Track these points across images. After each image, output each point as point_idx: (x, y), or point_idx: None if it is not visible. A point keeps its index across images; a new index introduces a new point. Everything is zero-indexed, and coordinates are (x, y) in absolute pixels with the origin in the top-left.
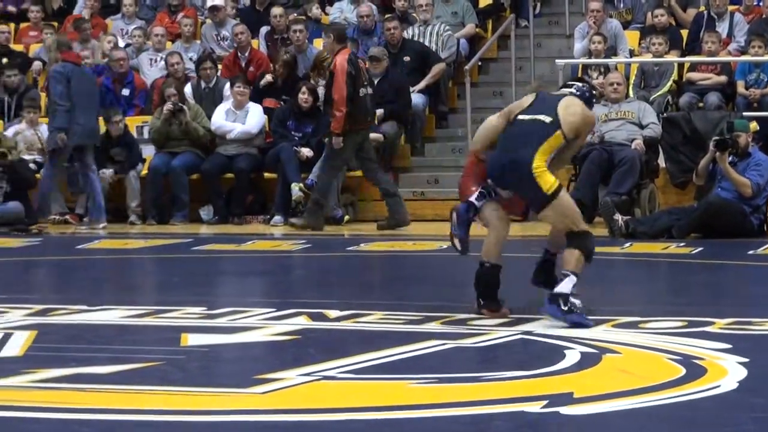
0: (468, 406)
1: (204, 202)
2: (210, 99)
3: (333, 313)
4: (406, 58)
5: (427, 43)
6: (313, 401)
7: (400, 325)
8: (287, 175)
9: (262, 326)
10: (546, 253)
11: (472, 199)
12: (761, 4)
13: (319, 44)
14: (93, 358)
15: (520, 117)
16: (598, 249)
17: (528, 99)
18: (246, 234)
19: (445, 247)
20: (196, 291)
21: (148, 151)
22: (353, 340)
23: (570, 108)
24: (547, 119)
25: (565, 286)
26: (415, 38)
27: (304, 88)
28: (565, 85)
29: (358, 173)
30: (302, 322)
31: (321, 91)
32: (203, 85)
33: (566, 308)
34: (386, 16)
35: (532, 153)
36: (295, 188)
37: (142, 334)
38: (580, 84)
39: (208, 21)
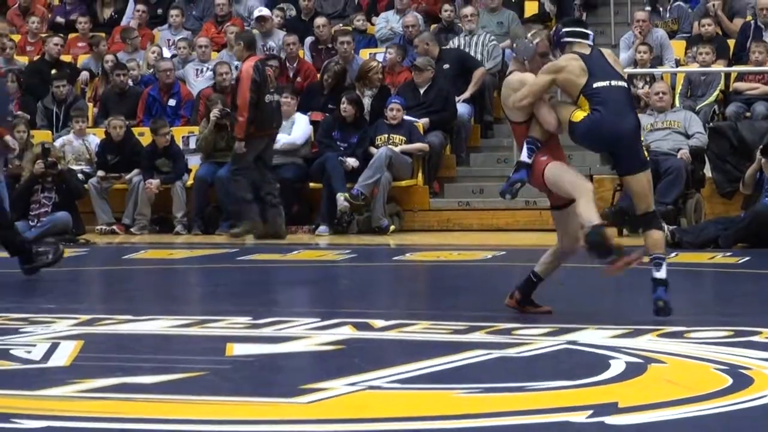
0: (513, 415)
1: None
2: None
3: (378, 323)
4: (446, 66)
5: (472, 53)
6: (358, 411)
7: (445, 334)
8: (332, 185)
9: (307, 336)
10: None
11: (524, 158)
12: None
13: (365, 55)
14: (139, 368)
15: (606, 84)
16: (644, 258)
17: (576, 63)
18: (291, 244)
19: (490, 257)
20: (240, 301)
21: (194, 162)
22: (398, 350)
23: (617, 62)
24: (624, 83)
25: (665, 270)
26: (462, 48)
27: (344, 99)
28: (576, 34)
29: (403, 183)
30: (347, 331)
31: (366, 101)
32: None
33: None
34: (432, 26)
35: (636, 117)
36: (341, 198)
37: (187, 344)
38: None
39: (255, 31)
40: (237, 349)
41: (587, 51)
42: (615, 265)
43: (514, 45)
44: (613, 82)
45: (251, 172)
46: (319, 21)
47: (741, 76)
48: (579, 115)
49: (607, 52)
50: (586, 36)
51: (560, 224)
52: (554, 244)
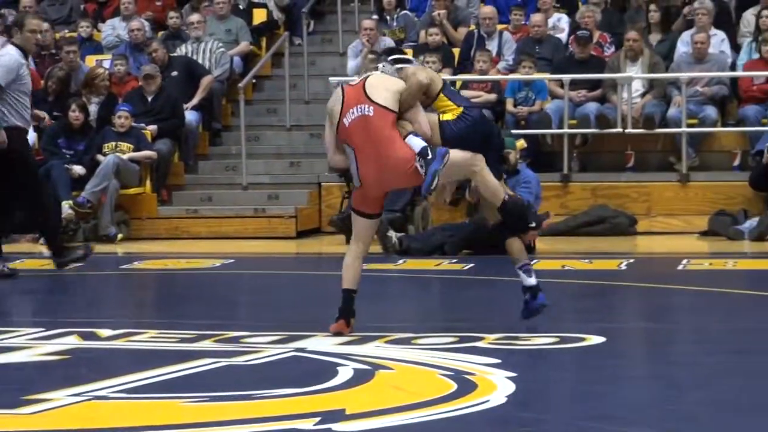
0: (240, 424)
1: None
2: None
3: (105, 332)
4: (174, 73)
5: (200, 61)
6: (83, 422)
7: (173, 343)
8: (57, 193)
9: (30, 346)
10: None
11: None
12: (528, 23)
13: (91, 62)
14: None
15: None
16: (371, 266)
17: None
18: (14, 252)
19: (218, 264)
20: None
21: None
22: (125, 359)
23: None
24: None
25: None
26: (189, 55)
27: (74, 106)
28: (403, 60)
29: (131, 191)
30: (73, 341)
31: (93, 108)
32: None
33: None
34: (159, 33)
35: None
36: (66, 206)
37: None
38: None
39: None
40: None
41: None
42: (529, 234)
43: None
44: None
45: None
46: (43, 26)
47: (466, 85)
48: (450, 116)
49: None
50: (410, 61)
51: None
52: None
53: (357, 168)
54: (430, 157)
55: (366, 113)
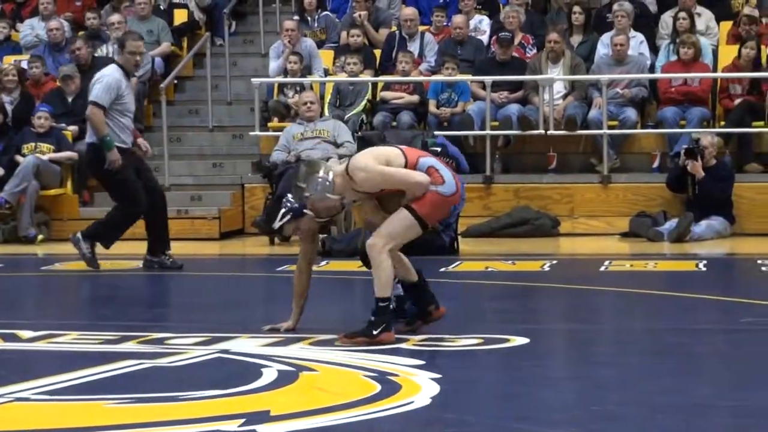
0: (164, 425)
1: None
2: None
3: (26, 334)
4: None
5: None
6: (5, 424)
7: (96, 345)
8: None
9: None
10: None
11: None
12: (450, 24)
13: (9, 61)
14: None
15: None
16: (295, 267)
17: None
18: None
19: (141, 266)
20: None
21: None
22: (47, 361)
23: None
24: None
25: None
26: (111, 56)
27: None
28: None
29: (52, 192)
30: None
31: (9, 108)
32: None
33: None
34: (80, 33)
35: None
36: None
37: None
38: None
39: None
40: None
41: None
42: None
43: (306, 185)
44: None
45: None
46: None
47: (388, 86)
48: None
49: None
50: None
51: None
52: None
53: (452, 176)
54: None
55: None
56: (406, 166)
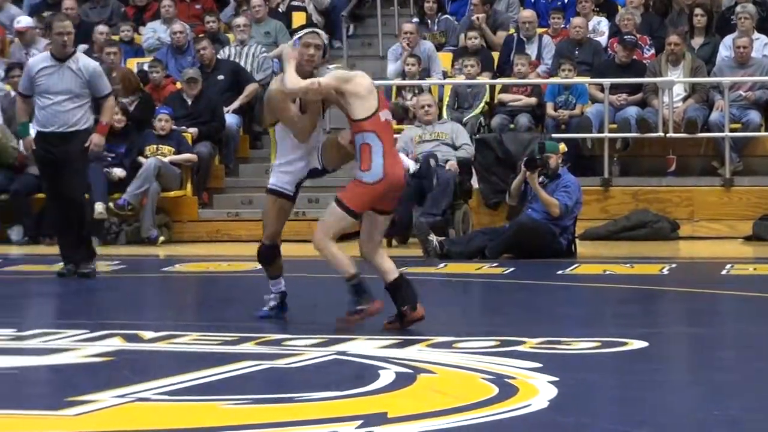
0: (281, 427)
1: (13, 223)
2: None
3: (147, 335)
4: (220, 77)
5: (243, 64)
6: (126, 423)
7: (215, 346)
8: (93, 195)
9: (75, 348)
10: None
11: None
12: (568, 26)
13: (131, 64)
14: None
15: None
16: (414, 270)
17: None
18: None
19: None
20: (4, 312)
21: None
22: (167, 362)
23: None
24: None
25: None
26: (232, 58)
27: (117, 108)
28: None
29: (172, 193)
30: (116, 343)
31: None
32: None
33: None
34: (198, 35)
35: None
36: (99, 206)
37: None
38: None
39: (17, 40)
40: (1, 361)
41: None
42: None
43: (319, 70)
44: None
45: None
46: (102, 29)
47: (506, 88)
48: None
49: None
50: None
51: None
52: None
53: (383, 160)
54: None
55: (390, 120)
56: (378, 106)
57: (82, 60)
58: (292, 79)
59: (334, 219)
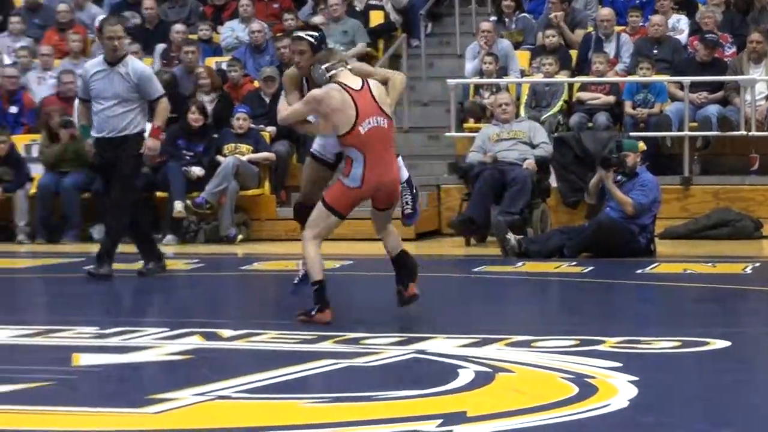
0: (361, 425)
1: (95, 221)
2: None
3: (226, 333)
4: None
5: None
6: (206, 421)
7: (294, 344)
8: (172, 194)
9: (155, 346)
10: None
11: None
12: (646, 24)
13: (210, 63)
14: None
15: None
16: (491, 268)
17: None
18: (138, 253)
19: (338, 266)
20: (87, 310)
21: (37, 170)
22: (246, 360)
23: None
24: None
25: None
26: None
27: (193, 108)
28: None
29: (250, 192)
30: (196, 341)
31: (208, 107)
32: None
33: None
34: (277, 34)
35: None
36: (178, 205)
37: (32, 354)
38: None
39: (98, 40)
40: (83, 359)
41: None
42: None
43: (312, 69)
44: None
45: None
46: (179, 27)
47: (583, 87)
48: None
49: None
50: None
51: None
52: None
53: (363, 172)
54: (415, 191)
55: (381, 125)
56: (356, 119)
57: (131, 64)
58: (279, 107)
59: (319, 217)
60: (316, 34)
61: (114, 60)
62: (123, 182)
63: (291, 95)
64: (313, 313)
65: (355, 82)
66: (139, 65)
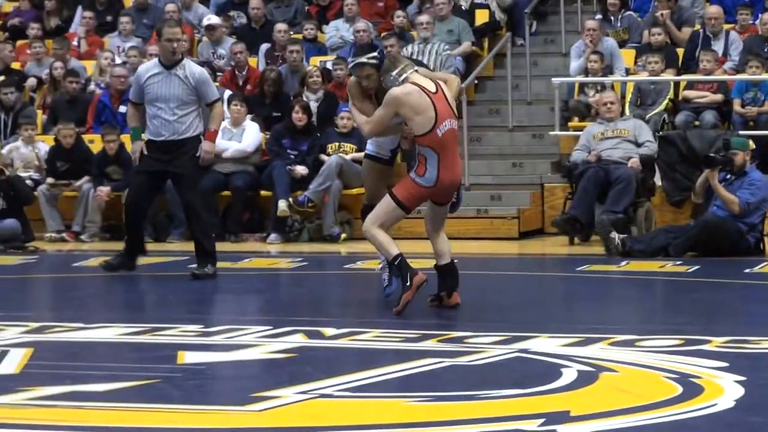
0: (464, 424)
1: None
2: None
3: (329, 331)
4: None
5: (425, 62)
6: (309, 419)
7: (397, 342)
8: (276, 193)
9: (259, 344)
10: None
11: None
12: (756, 22)
13: (315, 62)
14: (89, 376)
15: None
16: (595, 267)
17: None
18: (242, 252)
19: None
20: (192, 309)
21: None
22: (350, 358)
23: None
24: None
25: None
26: (415, 56)
27: (297, 107)
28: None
29: (353, 191)
30: (299, 339)
31: (314, 106)
32: None
33: None
34: (383, 33)
35: None
36: (282, 204)
37: (138, 351)
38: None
39: (205, 39)
40: (188, 357)
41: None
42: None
43: (383, 78)
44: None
45: None
46: (281, 27)
47: (690, 85)
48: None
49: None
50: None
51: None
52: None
53: (437, 172)
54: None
55: (454, 127)
56: (436, 120)
57: (189, 67)
58: (359, 121)
59: (385, 210)
60: (375, 54)
61: (171, 63)
62: (190, 184)
63: (363, 104)
64: (408, 283)
65: (429, 85)
66: (197, 68)
